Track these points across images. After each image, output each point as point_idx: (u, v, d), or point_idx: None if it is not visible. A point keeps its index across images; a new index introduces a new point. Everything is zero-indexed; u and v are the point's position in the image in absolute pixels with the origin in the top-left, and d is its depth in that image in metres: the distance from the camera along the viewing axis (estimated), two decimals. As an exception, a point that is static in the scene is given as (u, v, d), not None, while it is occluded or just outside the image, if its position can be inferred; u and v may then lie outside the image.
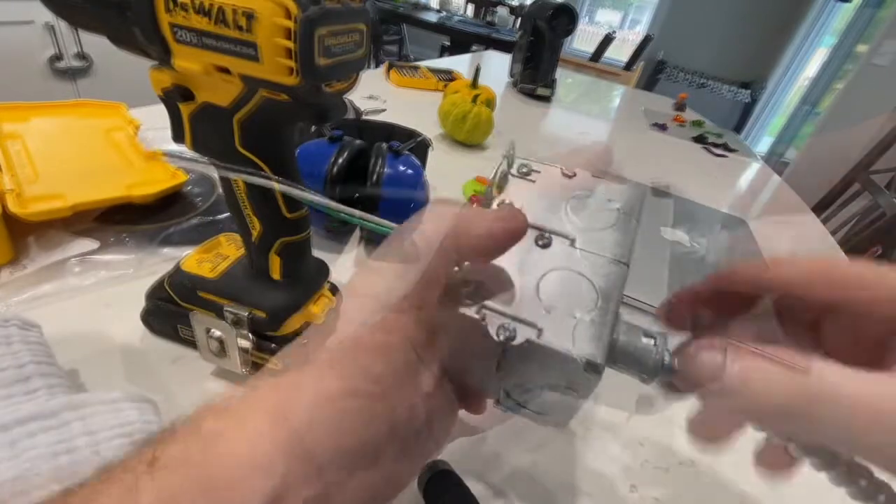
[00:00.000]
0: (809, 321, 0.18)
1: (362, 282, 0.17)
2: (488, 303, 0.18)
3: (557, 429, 0.23)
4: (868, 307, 0.16)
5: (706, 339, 0.17)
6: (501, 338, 0.17)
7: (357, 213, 0.23)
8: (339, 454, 0.15)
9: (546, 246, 0.20)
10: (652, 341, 0.18)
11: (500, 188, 0.23)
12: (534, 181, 0.24)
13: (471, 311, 0.18)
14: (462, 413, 0.23)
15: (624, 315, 0.19)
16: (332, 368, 0.15)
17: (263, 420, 0.14)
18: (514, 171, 0.24)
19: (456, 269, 0.19)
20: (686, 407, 0.20)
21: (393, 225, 0.23)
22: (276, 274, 0.32)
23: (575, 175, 0.24)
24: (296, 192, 0.25)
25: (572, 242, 0.21)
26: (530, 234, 0.20)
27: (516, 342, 0.17)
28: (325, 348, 0.16)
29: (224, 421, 0.14)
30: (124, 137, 0.55)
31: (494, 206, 0.22)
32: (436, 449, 0.21)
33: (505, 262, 0.19)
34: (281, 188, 0.25)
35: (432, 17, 2.92)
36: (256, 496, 0.13)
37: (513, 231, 0.18)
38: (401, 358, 0.16)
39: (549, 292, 0.19)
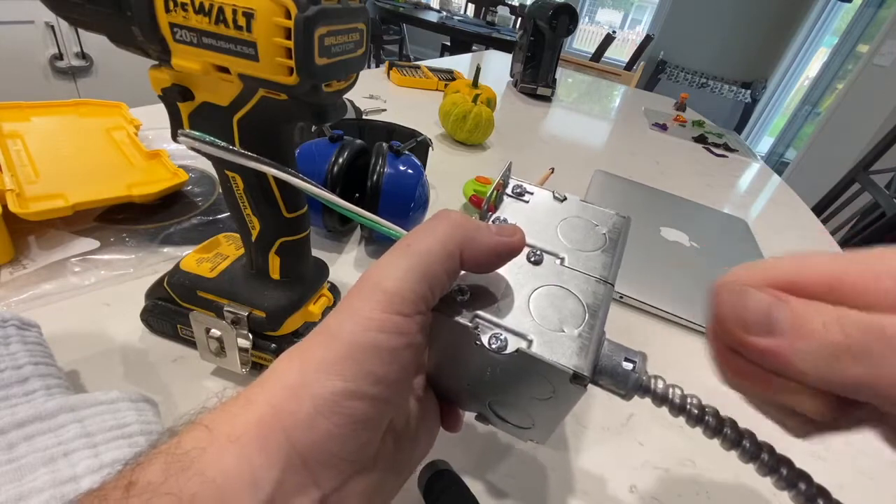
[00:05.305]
0: None
1: (372, 272, 0.17)
2: (481, 312, 0.19)
3: (537, 443, 0.24)
4: None
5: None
6: (494, 347, 0.18)
7: (366, 214, 0.23)
8: (337, 460, 0.15)
9: (538, 263, 0.22)
10: (632, 363, 0.19)
11: (496, 207, 0.25)
12: (527, 202, 0.25)
13: (465, 320, 0.18)
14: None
15: (607, 334, 0.20)
16: (335, 368, 0.15)
17: (255, 430, 0.14)
18: (508, 191, 0.26)
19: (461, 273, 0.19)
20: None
21: (395, 228, 0.23)
22: (275, 273, 0.32)
23: (566, 199, 0.26)
24: (314, 189, 0.24)
25: (562, 261, 0.22)
26: (523, 251, 0.21)
27: (507, 351, 0.18)
28: (329, 340, 0.16)
29: (211, 433, 0.14)
30: (125, 137, 0.55)
31: (490, 223, 0.23)
32: (423, 457, 0.21)
33: (499, 275, 0.20)
34: (296, 182, 0.24)
35: (433, 17, 2.93)
36: None
37: (514, 247, 0.19)
38: (404, 363, 0.16)
39: (539, 306, 0.19)
